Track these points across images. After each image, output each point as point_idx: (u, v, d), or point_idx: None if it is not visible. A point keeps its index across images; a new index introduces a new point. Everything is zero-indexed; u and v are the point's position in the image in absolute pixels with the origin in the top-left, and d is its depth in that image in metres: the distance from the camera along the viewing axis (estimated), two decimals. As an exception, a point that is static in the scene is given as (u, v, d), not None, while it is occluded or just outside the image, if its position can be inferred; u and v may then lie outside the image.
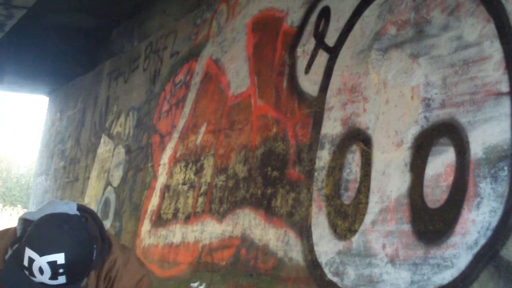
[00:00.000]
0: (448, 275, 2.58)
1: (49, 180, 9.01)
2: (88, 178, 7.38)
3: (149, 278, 2.27)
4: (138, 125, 6.30)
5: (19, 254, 1.96)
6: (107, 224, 6.30)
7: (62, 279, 1.95)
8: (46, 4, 7.06)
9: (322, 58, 3.70)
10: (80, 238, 2.00)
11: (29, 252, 1.92)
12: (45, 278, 1.93)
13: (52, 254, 1.92)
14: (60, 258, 1.92)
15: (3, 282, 1.98)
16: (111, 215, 6.41)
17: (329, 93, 3.57)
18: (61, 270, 1.93)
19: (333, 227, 3.29)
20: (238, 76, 4.64)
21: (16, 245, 2.05)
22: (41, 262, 1.91)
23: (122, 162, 6.49)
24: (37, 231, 1.97)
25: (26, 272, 1.94)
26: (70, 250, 1.94)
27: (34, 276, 1.93)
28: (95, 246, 2.09)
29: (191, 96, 5.29)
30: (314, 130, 3.62)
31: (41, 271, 1.92)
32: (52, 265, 1.91)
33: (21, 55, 8.72)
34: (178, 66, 5.70)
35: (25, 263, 1.93)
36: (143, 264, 2.32)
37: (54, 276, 1.93)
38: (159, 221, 5.30)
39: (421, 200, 2.79)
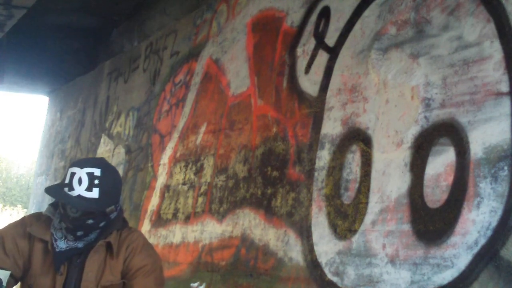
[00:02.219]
0: (448, 275, 2.58)
1: (49, 180, 9.01)
2: (88, 178, 7.37)
3: (161, 263, 2.62)
4: (138, 125, 6.30)
5: (62, 179, 2.40)
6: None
7: (95, 192, 2.34)
8: (46, 4, 7.06)
9: (322, 58, 3.70)
10: (114, 168, 2.50)
11: (72, 169, 2.38)
12: (82, 189, 2.33)
13: (91, 167, 2.37)
14: (97, 171, 2.37)
15: (48, 193, 2.40)
16: (111, 215, 6.40)
17: (329, 93, 3.57)
18: (96, 182, 2.35)
19: (333, 227, 3.29)
20: (238, 76, 4.64)
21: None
22: (81, 173, 2.35)
23: (122, 162, 6.49)
24: (80, 159, 2.55)
25: (66, 189, 2.34)
26: (105, 169, 2.41)
27: (73, 189, 2.34)
28: (121, 196, 2.58)
29: (191, 96, 5.29)
30: (314, 130, 3.62)
31: (80, 181, 2.34)
32: (90, 175, 2.35)
33: (21, 55, 8.72)
34: (178, 66, 5.70)
35: (67, 180, 2.36)
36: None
37: (90, 187, 2.34)
38: (159, 221, 5.30)
39: (421, 200, 2.79)
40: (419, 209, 2.79)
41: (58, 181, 8.49)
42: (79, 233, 2.41)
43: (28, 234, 2.46)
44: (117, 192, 2.47)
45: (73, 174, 2.35)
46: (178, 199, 5.07)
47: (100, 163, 2.43)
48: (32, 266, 2.43)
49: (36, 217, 2.52)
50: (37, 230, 2.45)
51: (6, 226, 2.52)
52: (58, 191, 2.37)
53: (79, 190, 2.33)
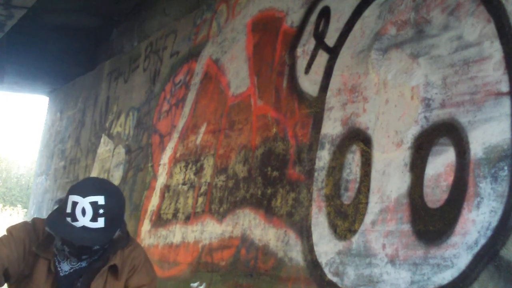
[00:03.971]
0: (448, 275, 2.58)
1: (49, 180, 9.01)
2: (88, 178, 7.36)
3: (157, 280, 2.53)
4: (138, 125, 6.30)
5: (62, 205, 2.25)
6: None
7: (101, 222, 2.21)
8: (46, 4, 7.06)
9: (322, 58, 3.70)
10: (116, 189, 2.35)
11: (73, 198, 2.21)
12: (86, 220, 2.19)
13: (94, 195, 2.21)
14: (100, 199, 2.21)
15: (49, 228, 2.25)
16: (111, 215, 6.40)
17: (329, 93, 3.57)
18: (101, 211, 2.20)
19: (333, 227, 3.29)
20: (238, 76, 4.64)
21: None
22: (84, 203, 2.19)
23: (122, 162, 6.49)
24: (80, 182, 2.34)
25: (69, 219, 2.20)
26: (109, 194, 2.24)
27: (77, 220, 2.19)
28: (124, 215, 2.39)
29: (191, 96, 5.29)
30: (314, 130, 3.62)
31: (83, 212, 2.19)
32: (94, 205, 2.20)
33: (21, 55, 8.72)
34: (178, 66, 5.70)
35: (69, 209, 2.21)
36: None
37: (95, 217, 2.20)
38: (159, 221, 5.30)
39: (421, 200, 2.79)
40: (419, 209, 2.79)
41: (57, 181, 8.52)
42: (84, 257, 2.34)
43: None
44: (122, 215, 2.36)
45: (75, 203, 2.20)
46: (178, 199, 5.07)
47: (102, 188, 2.28)
48: (33, 280, 2.35)
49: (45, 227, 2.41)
50: (40, 249, 2.35)
51: (21, 229, 2.39)
52: (61, 223, 2.22)
53: (84, 221, 2.20)
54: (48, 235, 2.37)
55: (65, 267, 2.35)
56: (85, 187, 2.27)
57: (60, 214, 2.25)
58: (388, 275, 2.87)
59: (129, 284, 2.41)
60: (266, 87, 4.23)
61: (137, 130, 6.31)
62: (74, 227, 2.20)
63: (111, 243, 2.38)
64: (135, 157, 6.19)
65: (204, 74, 5.17)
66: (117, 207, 2.28)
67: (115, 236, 2.34)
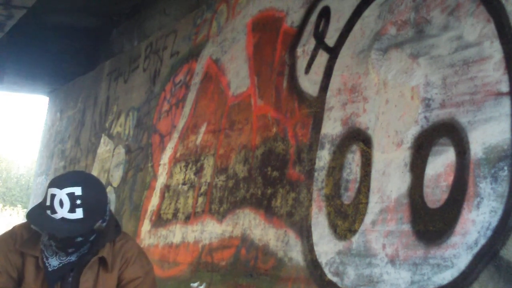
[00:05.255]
0: (448, 275, 2.58)
1: (49, 180, 9.01)
2: (88, 178, 7.35)
3: (154, 273, 2.53)
4: (138, 125, 6.30)
5: (43, 199, 2.30)
6: (107, 224, 6.28)
7: (79, 213, 2.24)
8: (46, 4, 7.06)
9: (322, 58, 3.70)
10: (95, 181, 2.38)
11: (51, 190, 2.25)
12: (64, 212, 2.23)
13: (71, 187, 2.25)
14: (77, 190, 2.25)
15: (30, 221, 2.32)
16: (111, 215, 6.39)
17: (329, 93, 3.57)
18: (78, 202, 2.24)
19: (333, 227, 3.29)
20: (238, 76, 4.64)
21: None
22: (61, 195, 2.23)
23: (122, 162, 6.49)
24: (59, 176, 2.38)
25: (48, 212, 2.24)
26: (86, 185, 2.28)
27: (56, 212, 2.23)
28: (108, 205, 2.42)
29: (191, 96, 5.29)
30: (314, 130, 3.62)
31: (61, 203, 2.23)
32: (71, 196, 2.23)
33: (21, 55, 8.72)
34: (178, 66, 5.70)
35: (48, 202, 2.25)
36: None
37: (72, 208, 2.23)
38: (159, 221, 5.30)
39: (421, 200, 2.79)
40: (419, 209, 2.79)
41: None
42: (70, 250, 2.36)
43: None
44: (102, 206, 2.37)
45: (53, 196, 2.24)
46: (178, 199, 5.07)
47: (79, 179, 2.31)
48: (25, 280, 2.37)
49: (26, 229, 2.43)
50: (26, 246, 2.37)
51: (0, 243, 2.42)
52: (40, 215, 2.27)
53: (62, 212, 2.23)
54: (34, 232, 2.39)
55: (54, 263, 2.36)
56: (63, 179, 2.32)
57: (41, 207, 2.29)
58: (388, 275, 2.87)
59: (123, 277, 2.41)
60: (266, 87, 4.23)
61: (137, 130, 6.31)
62: (54, 219, 2.23)
63: (98, 236, 2.39)
64: (135, 157, 6.19)
65: (204, 74, 5.17)
66: (95, 197, 2.30)
67: (97, 226, 2.35)
